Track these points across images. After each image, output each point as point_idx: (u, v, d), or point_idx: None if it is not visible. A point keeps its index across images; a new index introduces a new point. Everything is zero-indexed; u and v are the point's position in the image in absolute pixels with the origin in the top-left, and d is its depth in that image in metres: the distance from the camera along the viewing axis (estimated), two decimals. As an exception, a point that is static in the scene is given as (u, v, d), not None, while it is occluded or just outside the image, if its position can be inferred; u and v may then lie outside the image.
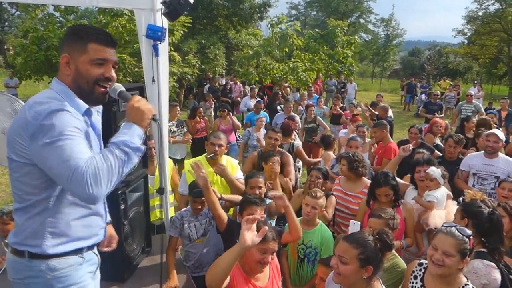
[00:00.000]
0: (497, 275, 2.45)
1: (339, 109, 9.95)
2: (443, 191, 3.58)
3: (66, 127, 1.57)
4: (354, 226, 2.79)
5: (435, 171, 3.58)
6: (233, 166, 3.88)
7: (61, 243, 1.71)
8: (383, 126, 5.64)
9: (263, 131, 6.56)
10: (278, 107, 10.21)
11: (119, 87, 1.85)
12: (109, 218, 2.14)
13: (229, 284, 2.23)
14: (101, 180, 1.55)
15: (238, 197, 3.36)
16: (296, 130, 6.80)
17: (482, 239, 2.60)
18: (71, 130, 1.58)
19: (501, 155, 4.51)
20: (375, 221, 2.82)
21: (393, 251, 2.73)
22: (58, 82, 1.74)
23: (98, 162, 1.55)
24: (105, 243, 2.16)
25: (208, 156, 3.71)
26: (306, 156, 5.72)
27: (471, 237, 2.20)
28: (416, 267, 2.44)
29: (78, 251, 1.77)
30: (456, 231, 2.19)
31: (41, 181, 1.65)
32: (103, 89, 1.77)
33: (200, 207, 3.25)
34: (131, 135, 1.69)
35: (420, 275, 2.38)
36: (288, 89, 13.65)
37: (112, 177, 1.59)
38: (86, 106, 1.75)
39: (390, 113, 8.17)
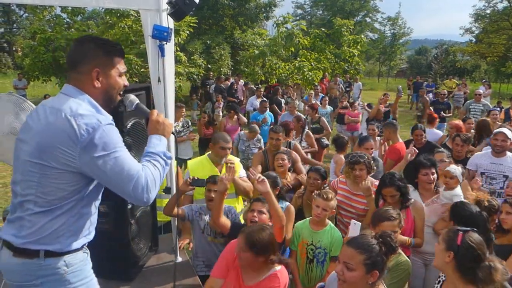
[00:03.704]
0: None
1: (346, 105, 9.98)
2: (460, 191, 3.54)
3: (118, 139, 1.74)
4: (354, 226, 2.75)
5: (456, 169, 3.55)
6: (236, 165, 3.91)
7: (75, 240, 1.80)
8: (389, 126, 5.61)
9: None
10: (282, 100, 10.25)
11: (135, 99, 2.02)
12: None
13: (227, 267, 2.57)
14: (156, 185, 1.80)
15: (250, 185, 3.67)
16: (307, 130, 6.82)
17: None
18: (121, 142, 1.76)
19: (509, 153, 4.45)
20: (389, 224, 2.77)
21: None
22: (81, 92, 1.79)
23: (151, 169, 1.80)
24: None
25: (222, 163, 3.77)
26: (303, 153, 5.65)
27: (460, 233, 2.16)
28: (441, 274, 2.41)
29: (83, 246, 1.88)
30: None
31: (77, 186, 1.74)
32: (120, 97, 1.96)
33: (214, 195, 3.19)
34: (163, 146, 1.95)
35: (442, 279, 2.37)
36: (290, 88, 13.65)
37: (160, 182, 1.84)
38: (111, 116, 1.84)
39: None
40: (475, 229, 2.23)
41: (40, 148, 1.67)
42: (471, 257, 2.06)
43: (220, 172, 3.69)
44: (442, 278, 2.38)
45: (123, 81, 1.92)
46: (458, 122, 6.26)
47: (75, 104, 1.72)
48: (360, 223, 2.79)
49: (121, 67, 1.90)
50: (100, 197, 1.92)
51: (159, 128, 1.99)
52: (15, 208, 1.77)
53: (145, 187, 1.73)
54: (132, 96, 2.00)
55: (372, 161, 3.87)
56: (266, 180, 2.78)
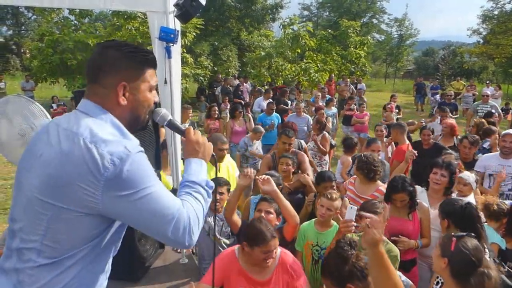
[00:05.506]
0: None
1: (353, 108, 9.95)
2: (471, 198, 3.48)
3: (150, 171, 1.37)
4: (351, 210, 2.73)
5: (470, 176, 3.50)
6: (233, 166, 4.16)
7: None
8: (396, 127, 5.58)
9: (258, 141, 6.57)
10: (289, 102, 10.24)
11: (168, 114, 1.72)
12: None
13: (224, 276, 2.45)
14: (199, 224, 1.44)
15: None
16: (330, 132, 6.81)
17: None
18: (154, 174, 1.39)
19: None
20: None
21: (385, 238, 2.76)
22: (103, 111, 1.43)
23: (194, 205, 1.45)
24: None
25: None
26: (310, 158, 5.69)
27: (454, 238, 2.12)
28: (438, 276, 2.40)
29: None
30: None
31: (96, 231, 1.37)
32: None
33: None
34: (205, 173, 1.57)
35: (442, 281, 2.35)
36: (297, 90, 13.65)
37: (203, 219, 1.48)
38: (138, 141, 1.46)
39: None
40: (472, 234, 2.19)
41: (53, 184, 1.29)
42: (465, 263, 2.01)
43: (217, 172, 3.76)
44: (440, 279, 2.37)
45: (154, 97, 1.55)
46: (452, 121, 6.22)
47: (96, 126, 1.35)
48: (356, 207, 2.79)
49: (153, 80, 1.53)
50: (123, 233, 1.54)
51: (200, 150, 1.62)
52: (10, 253, 1.39)
53: (187, 229, 1.37)
54: (164, 111, 1.69)
55: (369, 160, 3.84)
56: (270, 178, 2.85)
